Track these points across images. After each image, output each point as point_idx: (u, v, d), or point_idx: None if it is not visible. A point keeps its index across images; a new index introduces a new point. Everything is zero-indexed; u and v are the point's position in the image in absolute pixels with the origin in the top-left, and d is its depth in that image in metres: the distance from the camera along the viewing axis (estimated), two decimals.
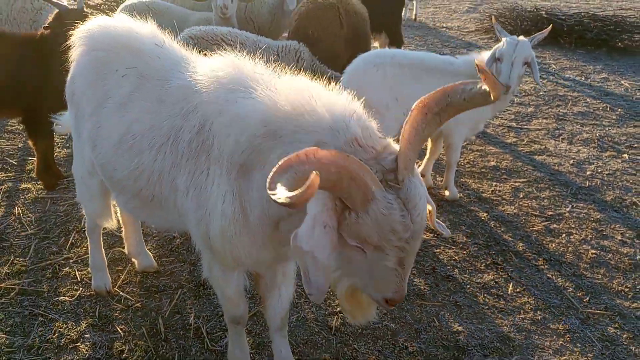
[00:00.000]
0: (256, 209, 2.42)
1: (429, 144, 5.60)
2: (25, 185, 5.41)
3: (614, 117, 7.81)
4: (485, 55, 5.00)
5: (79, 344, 3.55)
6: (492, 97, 1.99)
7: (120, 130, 2.94)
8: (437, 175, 5.91)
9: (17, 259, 4.32)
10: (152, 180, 2.83)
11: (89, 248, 4.03)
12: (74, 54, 3.31)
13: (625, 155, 6.60)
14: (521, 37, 4.90)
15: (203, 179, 2.58)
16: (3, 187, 5.33)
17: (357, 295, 2.27)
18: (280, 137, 2.25)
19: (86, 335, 3.61)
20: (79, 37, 3.27)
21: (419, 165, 5.78)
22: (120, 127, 2.94)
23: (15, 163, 5.87)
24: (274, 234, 2.47)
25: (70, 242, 4.56)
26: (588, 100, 8.51)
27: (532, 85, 9.11)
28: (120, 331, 3.67)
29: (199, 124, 2.61)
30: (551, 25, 5.83)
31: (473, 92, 2.01)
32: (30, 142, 5.42)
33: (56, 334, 3.61)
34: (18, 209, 4.98)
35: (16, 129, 6.69)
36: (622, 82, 9.40)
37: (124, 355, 3.48)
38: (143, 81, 2.96)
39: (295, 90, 2.33)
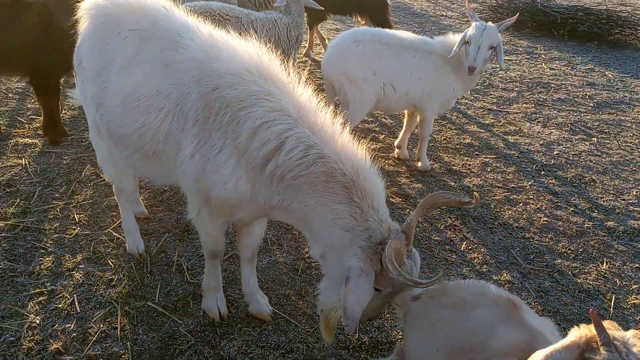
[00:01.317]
0: (264, 195, 2.85)
1: (405, 118, 6.03)
2: (32, 141, 5.90)
3: (591, 105, 8.21)
4: (457, 37, 5.39)
5: (74, 272, 4.04)
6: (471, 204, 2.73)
7: (126, 91, 3.21)
8: (413, 148, 6.34)
9: (23, 202, 4.81)
10: (157, 139, 3.11)
11: (120, 211, 4.36)
12: (81, 25, 3.57)
13: (594, 139, 7.02)
14: (489, 23, 5.28)
15: (214, 152, 2.87)
16: (12, 141, 5.82)
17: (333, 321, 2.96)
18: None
19: (81, 266, 4.11)
20: (84, 8, 3.53)
21: (396, 139, 6.23)
22: (126, 88, 3.21)
23: (24, 121, 6.36)
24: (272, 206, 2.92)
25: (71, 190, 5.05)
26: (570, 88, 8.89)
27: (518, 72, 9.50)
28: (111, 264, 4.16)
29: (218, 105, 2.82)
30: (517, 14, 6.15)
31: (450, 199, 2.72)
32: (37, 101, 5.90)
33: (54, 264, 4.11)
34: (25, 161, 5.47)
35: (25, 90, 7.17)
36: (607, 73, 9.77)
37: (113, 283, 3.98)
38: (145, 43, 3.20)
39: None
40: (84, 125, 6.40)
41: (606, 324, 1.77)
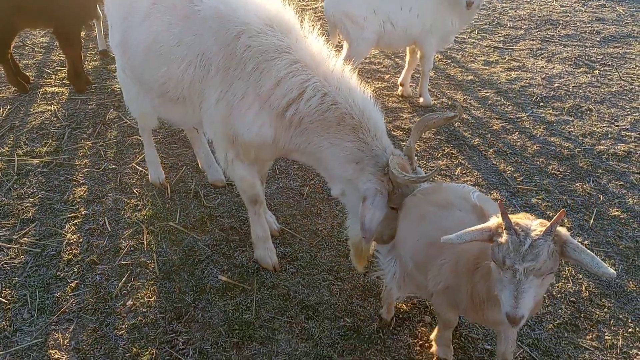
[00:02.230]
0: (284, 138, 3.18)
1: (407, 56, 6.29)
2: (59, 89, 6.37)
3: (598, 39, 8.28)
4: None
5: (103, 199, 4.54)
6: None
7: (148, 40, 3.38)
8: (417, 86, 6.61)
9: (55, 142, 5.31)
10: (181, 86, 3.38)
11: (144, 146, 4.77)
12: None
13: (596, 71, 7.16)
14: None
15: (237, 99, 3.14)
16: (41, 90, 6.30)
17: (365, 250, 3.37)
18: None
19: (109, 194, 4.60)
20: None
21: (399, 76, 6.51)
22: (148, 38, 3.37)
23: (51, 72, 6.81)
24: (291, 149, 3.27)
25: (97, 131, 5.52)
26: (578, 24, 8.93)
27: (528, 11, 9.54)
28: (136, 192, 4.65)
29: (240, 56, 3.07)
30: None
31: (438, 119, 3.08)
32: (62, 52, 6.34)
33: (86, 193, 4.61)
34: (54, 107, 5.94)
35: (50, 44, 7.60)
36: (618, 8, 9.73)
37: (138, 208, 4.46)
38: None
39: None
40: (106, 75, 6.84)
41: (520, 215, 2.14)
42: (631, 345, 3.32)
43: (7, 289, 3.61)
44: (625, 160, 5.20)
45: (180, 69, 3.27)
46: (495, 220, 2.18)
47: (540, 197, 4.69)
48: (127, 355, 3.18)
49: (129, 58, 3.70)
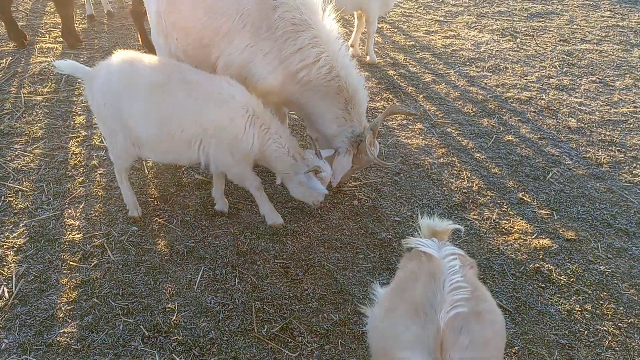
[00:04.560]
0: (290, 91, 4.15)
1: (355, 20, 7.40)
2: (53, 46, 7.30)
3: (525, 15, 9.56)
4: None
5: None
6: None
7: None
8: (362, 45, 7.73)
9: (54, 84, 6.26)
10: (216, 33, 4.00)
11: None
12: None
13: (518, 40, 8.42)
14: None
15: (261, 54, 3.99)
16: (37, 46, 7.22)
17: None
18: None
19: None
20: None
21: (349, 39, 7.63)
22: None
23: (44, 32, 7.73)
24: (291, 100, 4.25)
25: None
26: (511, 3, 10.21)
27: None
28: None
29: (272, 22, 3.86)
30: None
31: (402, 110, 4.38)
32: (56, 11, 7.27)
33: (85, 120, 5.59)
34: (51, 58, 6.88)
35: (41, 10, 8.49)
36: None
37: None
38: None
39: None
40: (94, 35, 7.79)
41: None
42: (502, 219, 4.52)
43: (26, 183, 4.60)
44: (526, 103, 6.44)
45: (221, 22, 4.00)
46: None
47: (453, 127, 5.87)
48: (125, 223, 4.22)
49: (173, 9, 4.25)
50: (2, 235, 3.98)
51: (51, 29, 7.85)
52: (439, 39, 8.39)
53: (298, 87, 4.11)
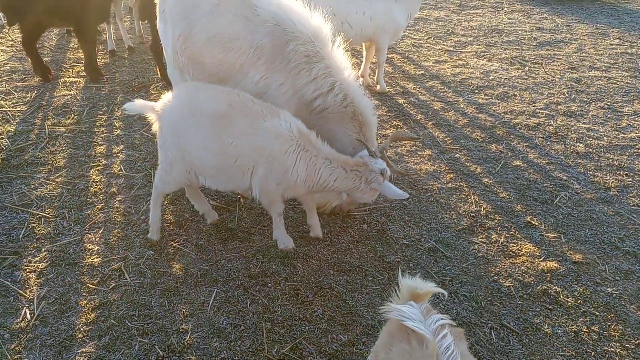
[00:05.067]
0: (304, 119, 4.17)
1: (364, 51, 7.63)
2: (77, 80, 7.63)
3: (534, 44, 9.73)
4: None
5: (119, 154, 5.76)
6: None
7: (211, 32, 4.16)
8: (372, 74, 7.94)
9: (76, 116, 6.54)
10: (232, 68, 4.21)
11: None
12: None
13: (527, 68, 8.56)
14: None
15: (276, 85, 4.15)
16: (61, 80, 7.56)
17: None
18: None
19: (124, 151, 5.82)
20: None
21: (359, 69, 7.85)
22: (211, 31, 4.14)
23: (68, 67, 8.09)
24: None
25: (110, 109, 6.78)
26: (520, 32, 10.40)
27: (479, 22, 10.99)
28: (144, 150, 5.87)
29: (287, 54, 4.05)
30: None
31: (406, 136, 4.60)
32: (80, 47, 7.62)
33: (105, 150, 5.83)
34: (73, 92, 7.20)
35: (65, 46, 8.88)
36: (557, 19, 11.23)
37: (146, 159, 5.68)
38: None
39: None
40: (115, 69, 8.12)
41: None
42: (510, 242, 4.59)
43: (49, 209, 4.80)
44: (534, 129, 6.54)
45: (235, 56, 4.17)
46: None
47: (462, 153, 5.99)
48: (142, 247, 4.38)
49: (189, 45, 4.39)
50: (25, 260, 4.16)
51: (74, 64, 8.21)
52: (448, 68, 8.58)
53: (312, 116, 4.28)
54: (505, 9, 12.13)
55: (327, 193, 4.36)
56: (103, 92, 7.26)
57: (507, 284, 4.08)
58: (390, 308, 2.24)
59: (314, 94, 4.17)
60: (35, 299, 3.78)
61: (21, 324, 3.57)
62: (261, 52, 4.16)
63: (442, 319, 2.13)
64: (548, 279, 4.15)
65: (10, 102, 6.80)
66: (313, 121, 4.31)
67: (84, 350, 3.38)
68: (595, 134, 6.49)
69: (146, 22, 8.14)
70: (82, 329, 3.54)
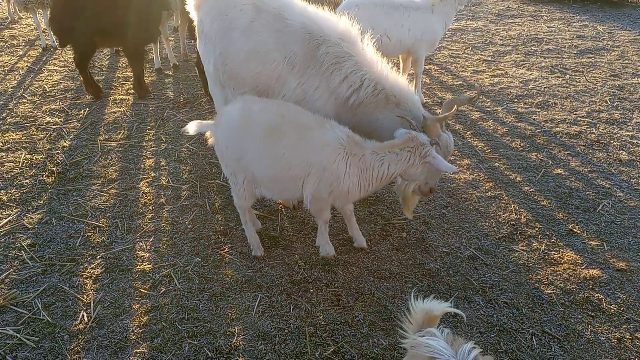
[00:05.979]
0: (345, 118, 4.37)
1: (401, 63, 7.74)
2: (126, 97, 8.01)
3: (574, 52, 9.61)
4: None
5: (166, 167, 6.02)
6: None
7: (248, 48, 4.36)
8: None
9: (126, 131, 6.88)
10: (269, 80, 4.38)
11: None
12: (198, 6, 4.92)
13: (567, 76, 8.48)
14: None
15: (312, 89, 4.27)
16: (111, 97, 7.95)
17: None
18: None
19: (170, 164, 6.09)
20: None
21: None
22: (248, 45, 4.35)
23: (117, 85, 8.49)
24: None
25: (157, 124, 7.09)
26: (560, 41, 10.29)
27: (518, 31, 10.94)
28: (190, 162, 6.12)
29: (318, 59, 4.18)
30: None
31: (463, 100, 4.43)
32: (129, 65, 8.02)
33: (153, 163, 6.10)
34: (123, 109, 7.56)
35: (114, 65, 9.33)
36: (598, 27, 11.06)
37: (192, 172, 5.92)
38: (258, 13, 4.33)
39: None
40: (161, 86, 8.48)
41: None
42: (551, 250, 4.58)
43: (103, 219, 5.07)
44: (575, 137, 6.48)
45: (271, 67, 4.37)
46: None
47: (501, 162, 6.00)
48: (190, 254, 4.58)
49: (228, 63, 4.59)
50: (81, 266, 4.41)
51: (123, 82, 8.62)
52: (486, 77, 8.58)
53: (351, 112, 4.40)
54: (545, 17, 12.02)
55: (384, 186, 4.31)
56: (151, 109, 7.60)
57: (549, 291, 4.08)
58: (417, 342, 2.06)
59: (347, 91, 4.29)
60: (92, 303, 4.01)
61: (79, 326, 3.80)
62: (294, 60, 4.32)
63: (474, 348, 1.99)
64: (590, 286, 4.13)
65: (65, 119, 7.21)
66: (353, 117, 4.43)
67: (138, 350, 3.58)
68: (639, 142, 6.38)
69: (192, 41, 8.48)
70: (135, 331, 3.74)
